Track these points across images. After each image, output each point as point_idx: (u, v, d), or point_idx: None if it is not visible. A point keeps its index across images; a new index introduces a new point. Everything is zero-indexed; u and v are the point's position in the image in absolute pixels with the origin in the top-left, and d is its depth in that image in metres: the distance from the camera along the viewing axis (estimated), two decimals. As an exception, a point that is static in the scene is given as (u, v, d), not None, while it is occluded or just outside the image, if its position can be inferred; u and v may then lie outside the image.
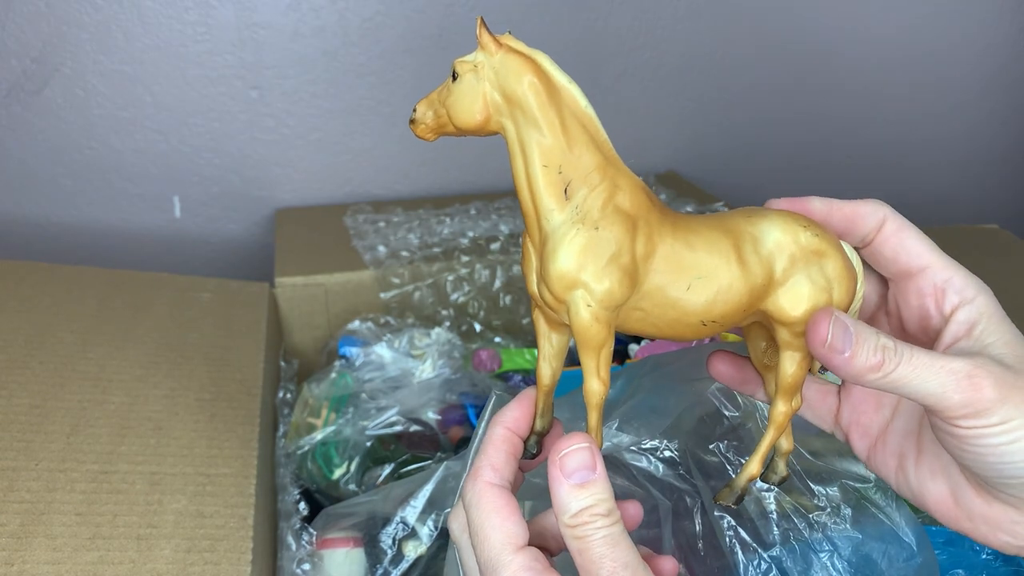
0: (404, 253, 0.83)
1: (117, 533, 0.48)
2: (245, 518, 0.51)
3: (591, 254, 0.33)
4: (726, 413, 0.48)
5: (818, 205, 0.38)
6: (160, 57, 0.87)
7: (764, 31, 1.02)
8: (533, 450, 0.38)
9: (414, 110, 0.35)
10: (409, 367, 0.70)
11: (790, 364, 0.37)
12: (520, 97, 0.33)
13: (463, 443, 0.65)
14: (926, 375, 0.33)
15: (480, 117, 0.34)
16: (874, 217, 0.37)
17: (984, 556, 0.52)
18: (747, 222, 0.36)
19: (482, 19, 0.33)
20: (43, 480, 0.51)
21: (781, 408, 0.37)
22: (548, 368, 0.37)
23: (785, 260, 0.35)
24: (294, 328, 0.81)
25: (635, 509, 0.39)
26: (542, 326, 0.37)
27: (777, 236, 0.35)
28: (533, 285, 0.35)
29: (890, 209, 0.38)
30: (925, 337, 0.37)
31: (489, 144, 0.99)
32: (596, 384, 0.34)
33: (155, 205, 0.95)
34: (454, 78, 0.34)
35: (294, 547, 0.55)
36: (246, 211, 0.97)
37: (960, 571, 0.51)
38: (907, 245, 0.37)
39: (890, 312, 0.40)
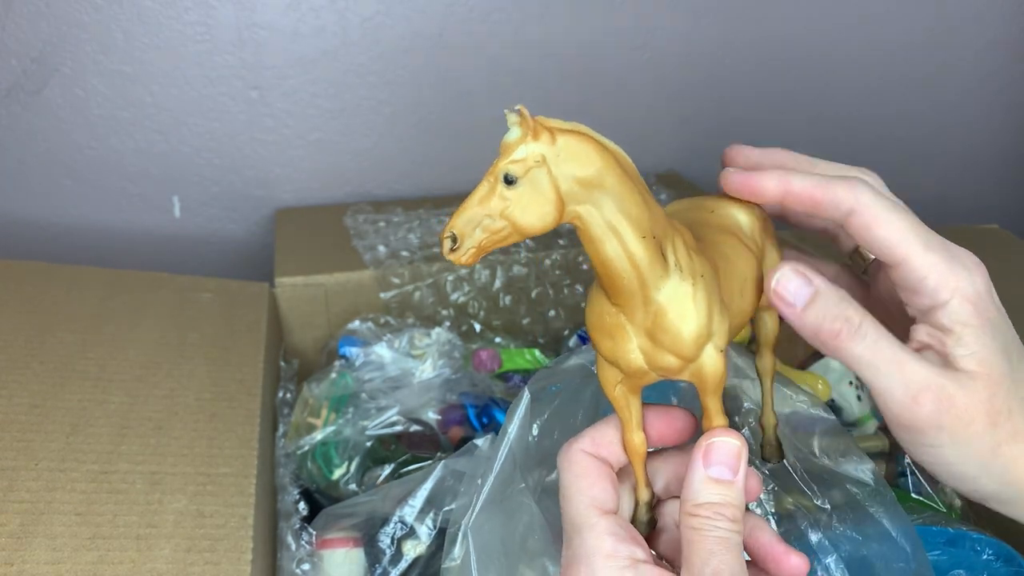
0: (404, 253, 0.83)
1: (117, 533, 0.48)
2: (245, 518, 0.51)
3: (711, 302, 0.32)
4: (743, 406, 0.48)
5: (771, 185, 0.34)
6: (160, 57, 0.87)
7: (764, 31, 1.02)
8: (644, 518, 0.36)
9: (450, 238, 0.29)
10: (409, 367, 0.70)
11: (770, 320, 0.39)
12: (598, 178, 0.30)
13: (463, 443, 0.65)
14: (882, 368, 0.32)
15: (556, 215, 0.30)
16: (839, 210, 0.34)
17: (985, 556, 0.52)
18: (719, 215, 0.37)
19: (524, 109, 0.29)
20: (43, 480, 0.51)
21: (767, 360, 0.40)
22: (641, 435, 0.35)
23: (759, 236, 0.37)
24: (294, 328, 0.81)
25: (754, 481, 0.36)
26: (623, 397, 0.35)
27: (745, 218, 0.37)
28: (637, 359, 0.33)
29: (863, 194, 0.33)
30: (905, 323, 0.35)
31: (489, 144, 0.99)
32: (721, 420, 0.34)
33: (155, 205, 0.95)
34: (509, 183, 0.29)
35: (294, 547, 0.55)
36: (246, 211, 0.97)
37: (960, 571, 0.51)
38: (877, 238, 0.33)
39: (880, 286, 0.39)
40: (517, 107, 0.29)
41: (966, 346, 0.32)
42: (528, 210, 0.29)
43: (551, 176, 0.29)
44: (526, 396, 0.43)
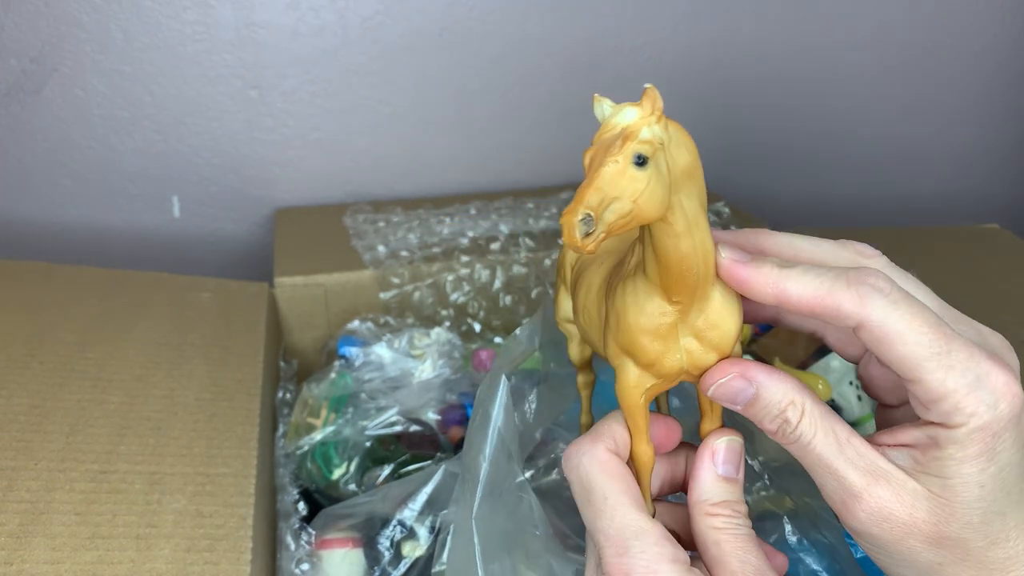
0: (404, 253, 0.83)
1: (116, 533, 0.48)
2: (244, 518, 0.51)
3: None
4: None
5: (766, 288, 0.31)
6: (159, 57, 0.87)
7: (764, 31, 1.02)
8: None
9: (585, 221, 0.26)
10: (409, 367, 0.70)
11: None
12: (694, 167, 0.29)
13: (463, 443, 0.65)
14: (815, 468, 0.31)
15: (668, 203, 0.28)
16: (845, 323, 0.30)
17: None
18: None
19: (654, 89, 0.28)
20: (42, 480, 0.51)
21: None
22: (651, 446, 0.34)
23: None
24: (294, 328, 0.81)
25: None
26: (644, 406, 0.33)
27: None
28: (681, 361, 0.32)
29: (873, 306, 0.29)
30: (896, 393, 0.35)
31: (489, 144, 0.99)
32: (720, 419, 0.35)
33: (154, 205, 0.95)
34: (640, 164, 0.27)
35: (293, 547, 0.55)
36: (245, 211, 0.97)
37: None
38: (892, 358, 0.29)
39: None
40: (647, 85, 0.28)
41: (949, 475, 0.29)
42: (654, 195, 0.28)
43: (667, 162, 0.28)
44: (504, 383, 0.42)
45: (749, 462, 0.46)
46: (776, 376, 0.32)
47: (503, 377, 0.42)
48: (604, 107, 0.29)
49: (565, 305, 0.40)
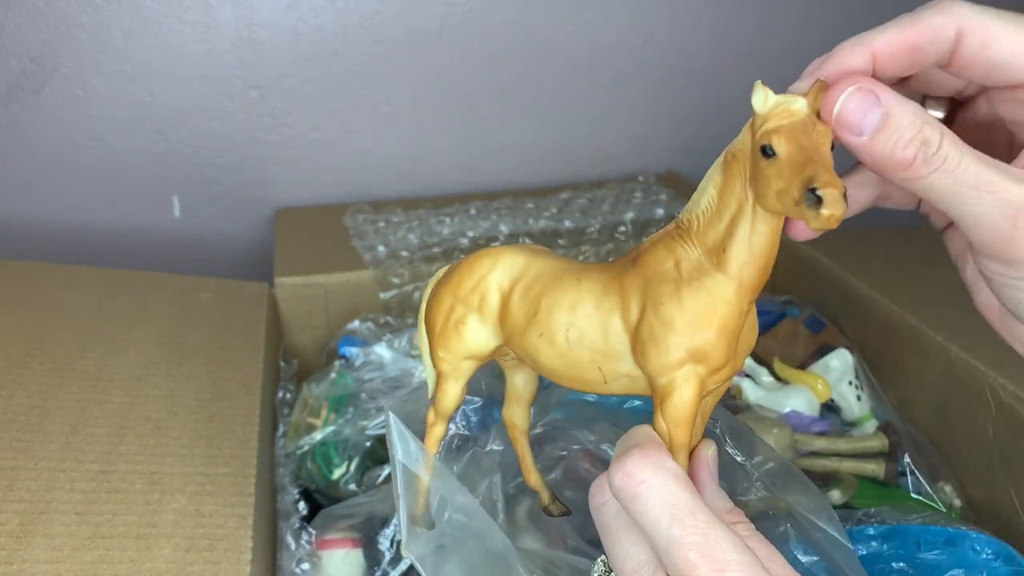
0: (404, 253, 0.83)
1: (116, 532, 0.48)
2: (245, 517, 0.51)
3: None
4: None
5: (856, 56, 0.29)
6: (159, 57, 0.87)
7: (764, 30, 1.02)
8: None
9: (845, 196, 0.26)
10: (409, 367, 0.70)
11: (521, 376, 0.42)
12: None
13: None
14: (967, 194, 0.27)
15: None
16: (944, 39, 0.28)
17: (984, 556, 0.52)
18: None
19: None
20: (42, 479, 0.51)
21: (521, 416, 0.43)
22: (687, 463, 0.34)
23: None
24: (294, 328, 0.81)
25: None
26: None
27: None
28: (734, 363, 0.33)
29: (963, 9, 0.28)
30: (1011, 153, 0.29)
31: (489, 144, 0.99)
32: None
33: (155, 205, 0.95)
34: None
35: (293, 547, 0.55)
36: (246, 211, 0.97)
37: (959, 571, 0.51)
38: (995, 58, 0.27)
39: (967, 118, 0.33)
40: (820, 79, 0.29)
41: None
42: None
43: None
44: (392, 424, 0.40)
45: (742, 463, 0.46)
46: (900, 95, 0.28)
47: (391, 414, 0.41)
48: (769, 96, 0.29)
49: (477, 336, 0.37)
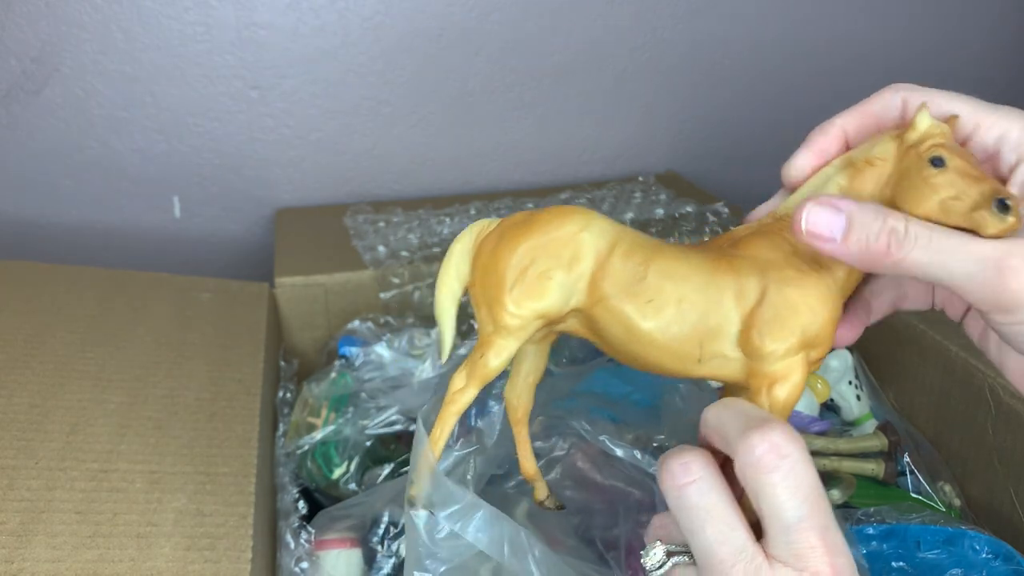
0: (404, 253, 0.83)
1: (117, 531, 0.48)
2: (245, 517, 0.51)
3: None
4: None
5: (829, 139, 0.35)
6: (160, 57, 0.87)
7: (764, 31, 1.02)
8: None
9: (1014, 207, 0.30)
10: (409, 367, 0.70)
11: (536, 354, 0.40)
12: None
13: (463, 442, 0.65)
14: (947, 262, 0.29)
15: None
16: (893, 108, 0.34)
17: (983, 555, 0.52)
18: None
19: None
20: (43, 479, 0.51)
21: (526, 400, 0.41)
22: None
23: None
24: (294, 328, 0.81)
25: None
26: None
27: None
28: None
29: (908, 88, 0.34)
30: None
31: (489, 144, 0.99)
32: None
33: (155, 205, 0.95)
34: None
35: (293, 546, 0.55)
36: (246, 211, 0.97)
37: (959, 570, 0.51)
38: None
39: None
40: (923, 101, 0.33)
41: None
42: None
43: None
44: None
45: None
46: (855, 199, 0.31)
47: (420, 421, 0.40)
48: (928, 117, 0.32)
49: (560, 294, 0.34)
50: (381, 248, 0.84)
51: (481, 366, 0.36)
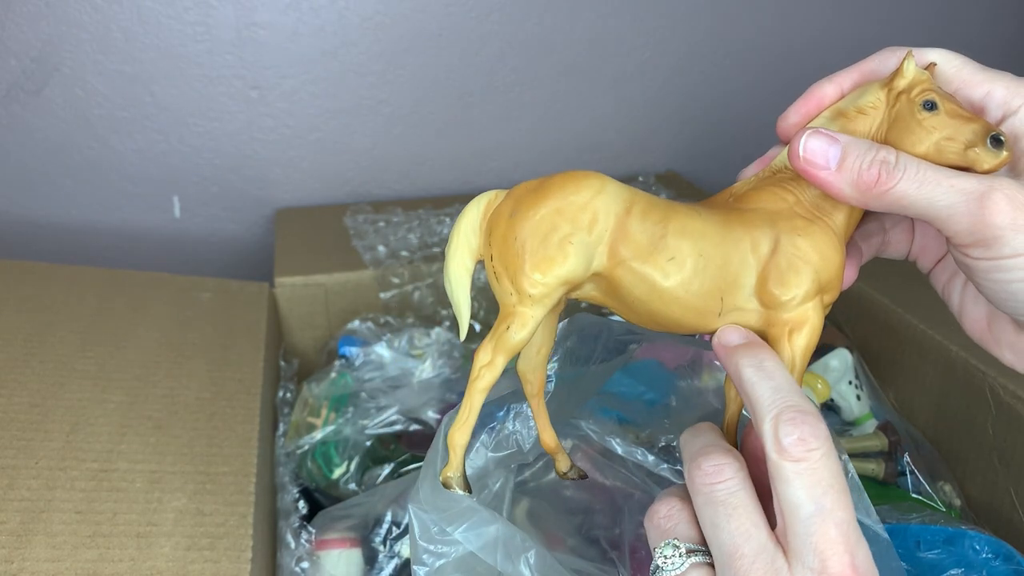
0: (404, 253, 0.83)
1: (117, 531, 0.48)
2: (245, 516, 0.51)
3: None
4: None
5: (831, 91, 0.36)
6: (160, 57, 0.87)
7: (764, 31, 1.02)
8: None
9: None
10: (409, 367, 0.70)
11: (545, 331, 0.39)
12: None
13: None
14: (933, 193, 0.30)
15: None
16: (890, 68, 0.35)
17: (983, 555, 0.52)
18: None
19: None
20: (43, 478, 0.51)
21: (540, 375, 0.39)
22: None
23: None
24: (294, 328, 0.81)
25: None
26: None
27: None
28: None
29: (896, 49, 0.35)
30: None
31: (489, 144, 0.99)
32: None
33: (155, 205, 0.95)
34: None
35: (293, 545, 0.55)
36: (246, 211, 0.97)
37: (959, 570, 0.51)
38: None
39: None
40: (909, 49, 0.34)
41: None
42: None
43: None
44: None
45: None
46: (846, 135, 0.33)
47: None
48: (914, 65, 0.34)
49: (582, 258, 0.34)
50: (381, 248, 0.84)
51: (507, 339, 0.34)
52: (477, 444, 0.42)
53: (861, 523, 0.41)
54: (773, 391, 0.31)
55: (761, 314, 0.35)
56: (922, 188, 0.30)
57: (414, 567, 0.38)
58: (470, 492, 0.36)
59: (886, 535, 0.40)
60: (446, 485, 0.36)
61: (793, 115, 0.36)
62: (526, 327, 0.34)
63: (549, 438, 0.40)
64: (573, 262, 0.34)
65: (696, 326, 0.35)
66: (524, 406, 0.43)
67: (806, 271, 0.34)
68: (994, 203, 0.29)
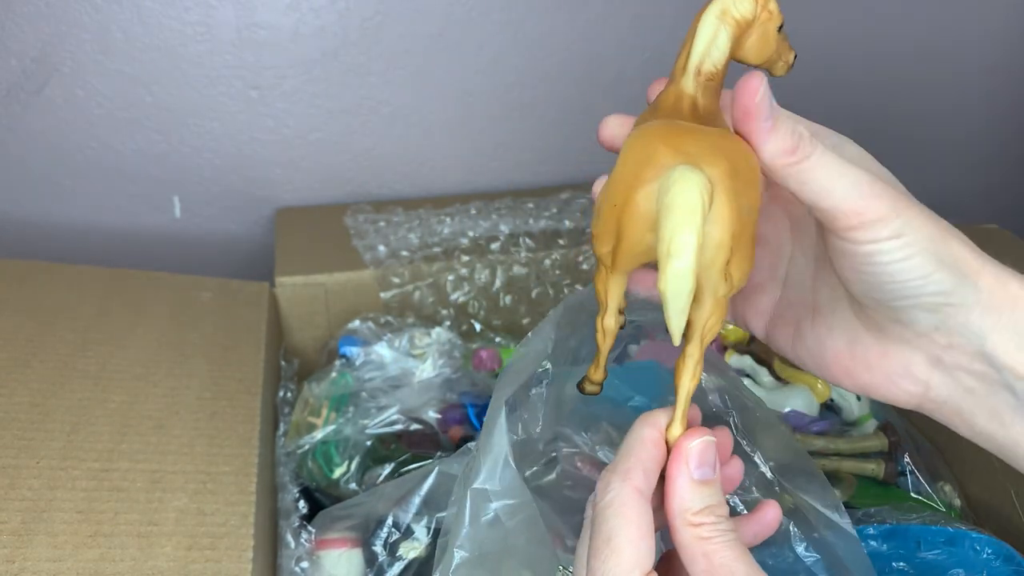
0: (404, 253, 0.83)
1: (118, 531, 0.48)
2: (246, 516, 0.51)
3: None
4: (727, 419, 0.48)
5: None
6: (160, 57, 0.87)
7: (763, 32, 1.02)
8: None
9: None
10: (409, 367, 0.70)
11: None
12: None
13: (463, 442, 0.65)
14: (833, 175, 0.32)
15: None
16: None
17: (984, 555, 0.52)
18: None
19: None
20: (44, 478, 0.51)
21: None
22: None
23: None
24: (294, 328, 0.81)
25: (773, 513, 0.37)
26: None
27: None
28: None
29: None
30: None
31: (489, 144, 0.99)
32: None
33: (155, 205, 0.95)
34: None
35: (293, 545, 0.55)
36: (246, 211, 0.97)
37: (960, 570, 0.51)
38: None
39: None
40: None
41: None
42: None
43: None
44: (503, 411, 0.41)
45: (749, 452, 0.46)
46: None
47: (503, 408, 0.41)
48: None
49: None
50: (381, 248, 0.84)
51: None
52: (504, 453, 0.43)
53: (828, 519, 0.41)
54: None
55: None
56: (825, 169, 0.32)
57: (453, 550, 0.39)
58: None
59: (853, 531, 0.40)
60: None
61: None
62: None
63: (599, 375, 0.37)
64: None
65: None
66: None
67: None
68: (881, 187, 0.32)
